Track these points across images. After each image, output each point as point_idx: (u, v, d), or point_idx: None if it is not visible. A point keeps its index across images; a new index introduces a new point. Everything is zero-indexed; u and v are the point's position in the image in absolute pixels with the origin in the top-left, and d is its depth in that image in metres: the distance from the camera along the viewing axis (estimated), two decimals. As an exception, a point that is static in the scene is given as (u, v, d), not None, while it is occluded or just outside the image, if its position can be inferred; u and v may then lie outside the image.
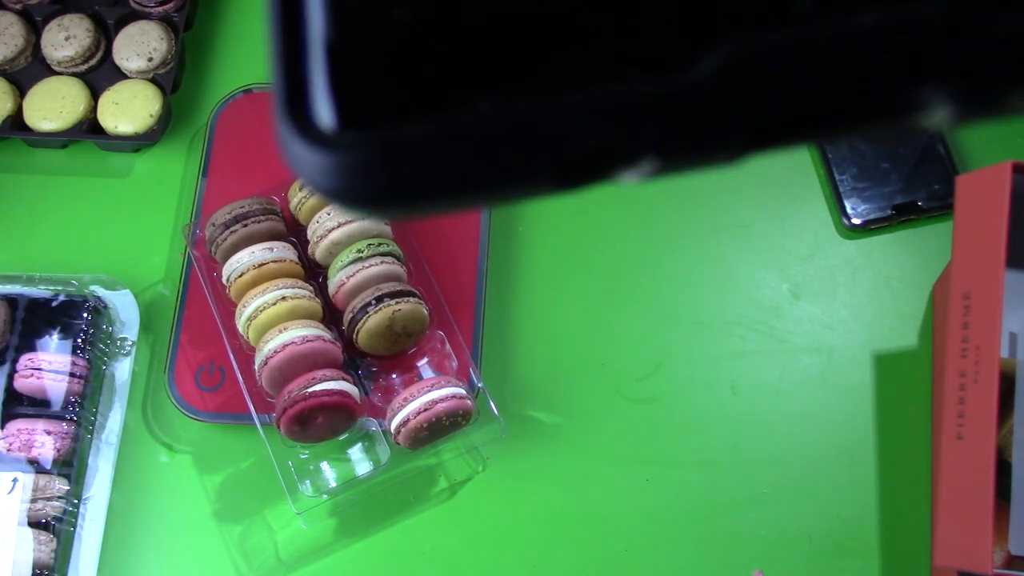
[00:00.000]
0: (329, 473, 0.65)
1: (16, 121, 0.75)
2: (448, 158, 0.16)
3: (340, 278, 0.64)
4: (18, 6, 0.79)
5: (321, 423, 0.61)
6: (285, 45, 0.17)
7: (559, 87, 0.16)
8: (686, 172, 0.17)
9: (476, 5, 0.16)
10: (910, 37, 0.16)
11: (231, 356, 0.65)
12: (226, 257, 0.65)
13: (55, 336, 0.67)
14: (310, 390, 0.60)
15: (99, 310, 0.69)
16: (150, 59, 0.76)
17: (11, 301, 0.68)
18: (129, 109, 0.75)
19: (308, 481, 0.64)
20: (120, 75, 0.77)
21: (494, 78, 0.16)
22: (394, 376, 0.66)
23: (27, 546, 0.62)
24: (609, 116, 0.16)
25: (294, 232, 0.69)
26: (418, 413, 0.60)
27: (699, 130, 0.16)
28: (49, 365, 0.65)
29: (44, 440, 0.64)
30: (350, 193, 0.17)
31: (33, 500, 0.63)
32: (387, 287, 0.63)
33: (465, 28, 0.16)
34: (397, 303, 0.63)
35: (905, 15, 0.15)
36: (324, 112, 0.16)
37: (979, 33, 0.15)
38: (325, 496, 0.65)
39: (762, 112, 0.16)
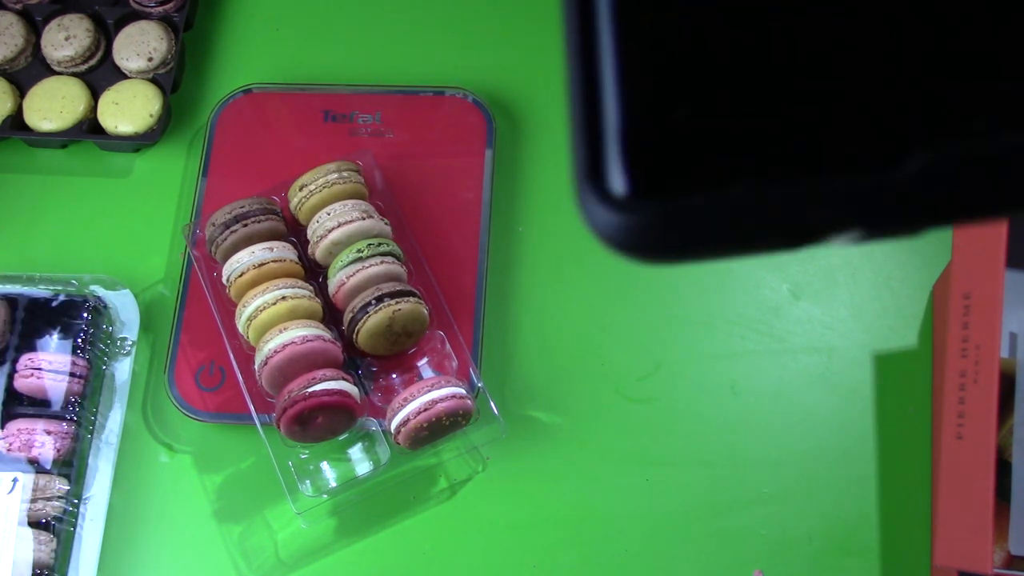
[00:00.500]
0: (329, 473, 0.65)
1: (16, 121, 0.75)
2: (714, 226, 0.21)
3: (340, 278, 0.64)
4: (18, 6, 0.79)
5: (321, 423, 0.61)
6: (585, 125, 0.22)
7: (800, 174, 0.21)
8: (884, 240, 0.22)
9: (741, 108, 0.21)
10: None
11: (231, 356, 0.65)
12: (226, 257, 0.65)
13: (55, 336, 0.67)
14: (310, 390, 0.60)
15: (99, 310, 0.69)
16: (150, 59, 0.76)
17: (11, 301, 0.68)
18: (129, 109, 0.75)
19: (308, 481, 0.64)
20: (120, 75, 0.77)
21: (752, 165, 0.21)
22: (394, 376, 0.66)
23: (27, 546, 0.62)
24: (836, 200, 0.21)
25: (294, 232, 0.69)
26: (418, 413, 0.60)
27: (899, 214, 0.21)
28: (49, 365, 0.65)
29: (44, 440, 0.64)
30: (634, 247, 0.22)
31: (33, 500, 0.63)
32: (387, 287, 0.63)
33: (732, 124, 0.21)
34: (397, 303, 0.63)
35: None
36: (617, 183, 0.21)
37: None
38: (325, 496, 0.65)
39: (948, 203, 0.21)
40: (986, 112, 0.21)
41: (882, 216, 0.21)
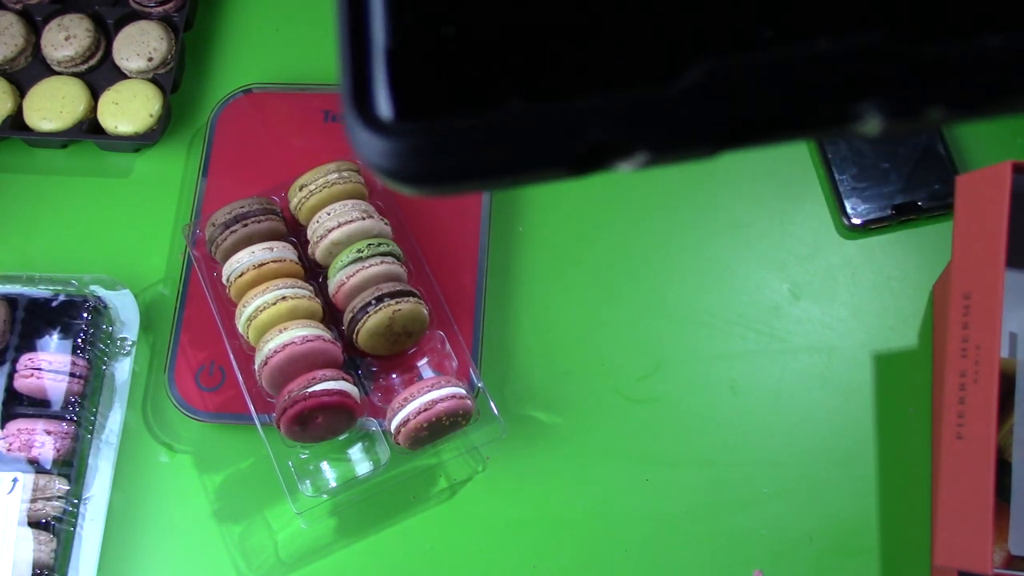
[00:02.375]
0: (329, 473, 0.65)
1: (16, 121, 0.75)
2: (484, 147, 0.20)
3: (340, 278, 0.64)
4: (18, 6, 0.79)
5: (321, 423, 0.61)
6: (352, 49, 0.21)
7: (573, 91, 0.20)
8: (672, 163, 0.21)
9: (508, 24, 0.21)
10: (849, 63, 0.20)
11: (231, 356, 0.65)
12: (226, 257, 0.65)
13: (55, 336, 0.67)
14: (310, 390, 0.60)
15: (99, 310, 0.69)
16: (150, 59, 0.76)
17: (11, 301, 0.68)
18: (129, 109, 0.75)
19: (308, 481, 0.64)
20: (120, 75, 0.77)
21: (522, 83, 0.20)
22: (394, 376, 0.66)
23: (27, 546, 0.62)
24: (611, 116, 0.20)
25: (294, 232, 0.69)
26: (418, 413, 0.60)
27: (682, 130, 0.20)
28: (49, 365, 0.65)
29: (44, 440, 0.64)
30: (402, 172, 0.21)
31: (33, 500, 0.63)
32: (387, 287, 0.63)
33: (499, 42, 0.21)
34: (397, 303, 0.63)
35: (846, 45, 0.20)
36: (384, 106, 0.20)
37: (903, 60, 0.20)
38: (325, 496, 0.65)
39: (732, 117, 0.20)
40: (771, 21, 0.20)
41: (663, 134, 0.20)
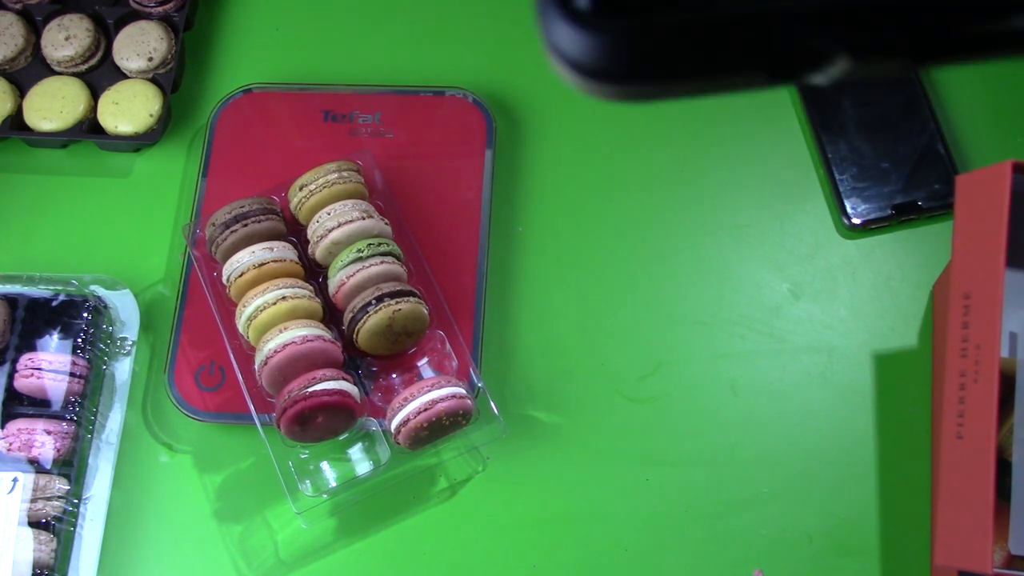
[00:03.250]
0: (329, 473, 0.65)
1: (16, 121, 0.75)
2: (686, 47, 0.19)
3: (340, 278, 0.64)
4: (18, 6, 0.79)
5: (321, 423, 0.61)
6: None
7: None
8: (869, 78, 0.20)
9: None
10: None
11: (231, 356, 0.65)
12: (226, 257, 0.65)
13: (55, 336, 0.67)
14: (310, 390, 0.60)
15: (99, 310, 0.69)
16: (150, 59, 0.76)
17: (11, 301, 0.68)
18: (129, 109, 0.75)
19: (308, 481, 0.64)
20: (120, 75, 0.77)
21: None
22: (394, 376, 0.66)
23: (27, 546, 0.62)
24: (817, 19, 0.19)
25: (294, 232, 0.69)
26: (418, 413, 0.60)
27: (883, 37, 0.19)
28: (49, 365, 0.65)
29: (44, 440, 0.64)
30: (600, 68, 0.19)
31: (33, 500, 0.63)
32: (387, 287, 0.63)
33: None
34: (397, 303, 0.63)
35: None
36: None
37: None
38: (325, 496, 0.65)
39: (929, 30, 0.19)
40: None
41: (870, 38, 0.19)
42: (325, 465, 0.65)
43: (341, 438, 0.65)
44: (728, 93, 0.20)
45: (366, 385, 0.66)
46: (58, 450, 0.64)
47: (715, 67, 0.20)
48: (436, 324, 0.67)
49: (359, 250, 0.64)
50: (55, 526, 0.63)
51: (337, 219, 0.65)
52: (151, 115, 0.75)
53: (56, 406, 0.66)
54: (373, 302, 0.63)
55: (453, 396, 0.61)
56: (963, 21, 0.19)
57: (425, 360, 0.67)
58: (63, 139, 0.76)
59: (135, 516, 0.66)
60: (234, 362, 0.64)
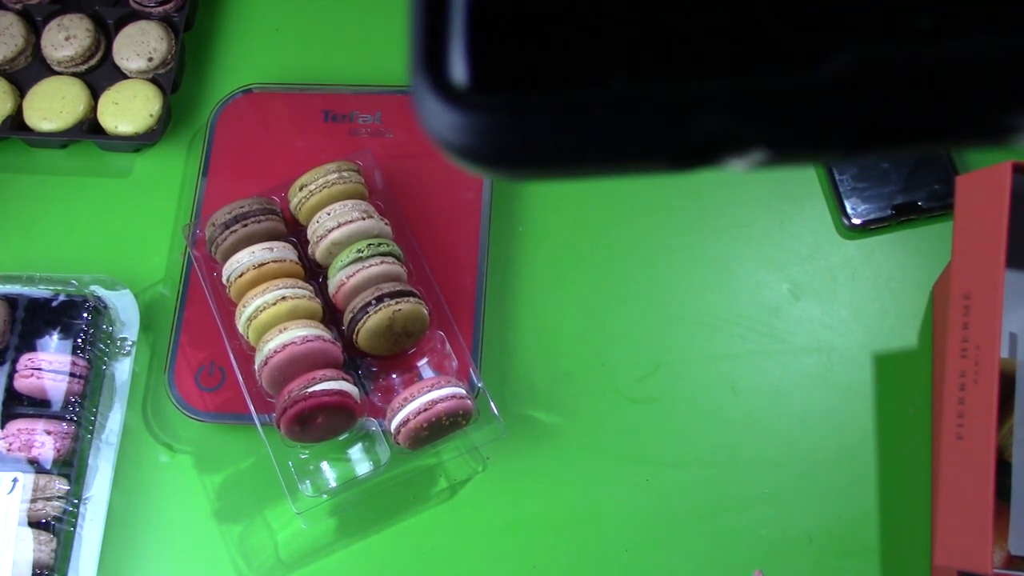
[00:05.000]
0: (329, 473, 0.65)
1: (16, 121, 0.75)
2: (574, 130, 0.17)
3: (340, 278, 0.64)
4: (18, 6, 0.79)
5: (321, 423, 0.61)
6: (427, 4, 0.17)
7: (687, 73, 0.17)
8: (791, 165, 0.18)
9: None
10: (1014, 67, 0.16)
11: (231, 356, 0.65)
12: (226, 257, 0.65)
13: (55, 336, 0.67)
14: (310, 390, 0.60)
15: (99, 310, 0.69)
16: (150, 59, 0.76)
17: (11, 301, 0.68)
18: (129, 109, 0.75)
19: (308, 481, 0.64)
20: (120, 75, 0.77)
21: (627, 60, 0.17)
22: (394, 376, 0.66)
23: (27, 546, 0.62)
24: (729, 106, 0.17)
25: (294, 232, 0.69)
26: (418, 413, 0.60)
27: (812, 128, 0.17)
28: (49, 365, 0.65)
29: (44, 440, 0.64)
30: (475, 151, 0.18)
31: (33, 500, 0.63)
32: (387, 287, 0.63)
33: (604, 8, 0.17)
34: (397, 303, 0.63)
35: (1013, 46, 0.16)
36: (459, 71, 0.17)
37: None
38: (325, 496, 0.65)
39: (872, 118, 0.17)
40: (932, 10, 0.16)
41: (791, 131, 0.17)
42: (325, 465, 0.65)
43: (341, 438, 0.65)
44: (625, 177, 0.18)
45: (366, 385, 0.66)
46: (58, 450, 0.64)
47: (607, 154, 0.18)
48: (436, 324, 0.67)
49: (359, 250, 0.64)
50: (55, 526, 0.63)
51: (337, 219, 0.65)
52: (151, 115, 0.75)
53: (56, 406, 0.66)
54: (373, 302, 0.63)
55: (453, 396, 0.61)
56: (908, 109, 0.17)
57: (425, 360, 0.67)
58: (63, 139, 0.76)
59: (135, 516, 0.66)
60: (234, 362, 0.64)
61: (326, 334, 0.63)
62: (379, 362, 0.67)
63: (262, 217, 0.66)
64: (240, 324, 0.64)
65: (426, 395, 0.61)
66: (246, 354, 0.65)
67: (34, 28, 0.78)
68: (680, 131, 0.17)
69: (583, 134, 0.17)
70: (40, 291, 0.69)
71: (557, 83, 0.17)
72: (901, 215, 0.72)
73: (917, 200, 0.72)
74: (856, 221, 0.72)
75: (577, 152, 0.17)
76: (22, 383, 0.66)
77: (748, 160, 0.17)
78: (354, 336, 0.64)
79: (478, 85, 0.17)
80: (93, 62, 0.77)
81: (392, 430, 0.62)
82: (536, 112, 0.17)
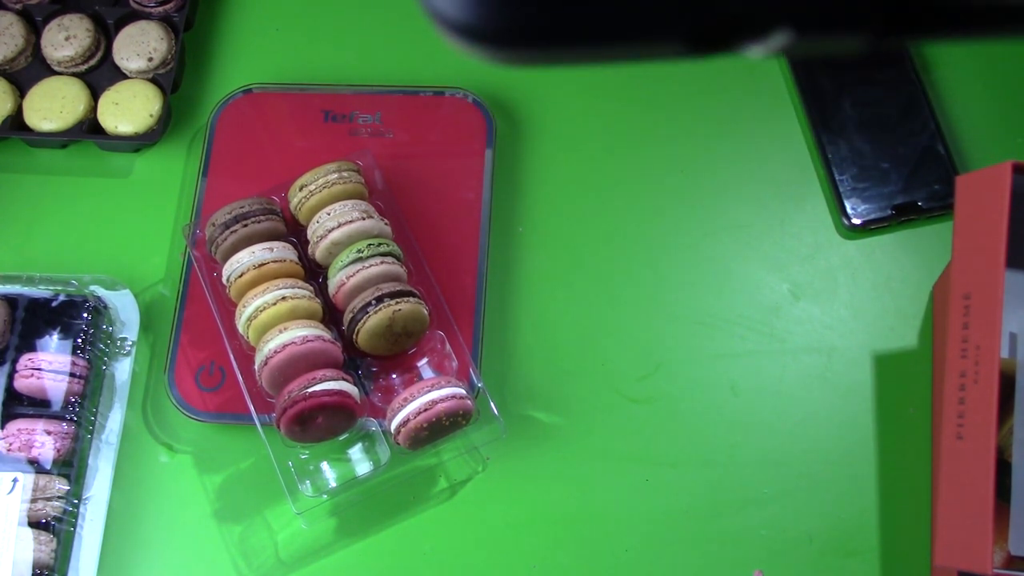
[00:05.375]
0: (329, 473, 0.65)
1: (16, 121, 0.75)
2: (587, 3, 0.16)
3: (340, 278, 0.64)
4: (18, 6, 0.79)
5: (321, 423, 0.61)
6: None
7: None
8: (814, 53, 0.16)
9: None
10: None
11: (231, 356, 0.65)
12: (226, 257, 0.65)
13: (55, 336, 0.67)
14: (310, 390, 0.60)
15: (99, 310, 0.69)
16: (150, 59, 0.76)
17: (11, 301, 0.68)
18: (129, 109, 0.75)
19: (308, 481, 0.64)
20: (120, 75, 0.77)
21: None
22: (394, 376, 0.66)
23: (27, 546, 0.62)
24: None
25: (294, 232, 0.69)
26: (418, 413, 0.60)
27: (841, 4, 0.15)
28: (49, 365, 0.65)
29: (44, 440, 0.64)
30: (480, 26, 0.16)
31: (33, 500, 0.63)
32: (387, 287, 0.63)
33: None
34: (397, 303, 0.63)
35: None
36: None
37: None
38: (325, 496, 0.65)
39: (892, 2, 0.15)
40: None
41: (821, 6, 0.15)
42: (325, 465, 0.65)
43: (341, 438, 0.65)
44: (638, 62, 0.17)
45: (366, 385, 0.66)
46: (58, 450, 0.64)
47: (622, 30, 0.16)
48: (436, 324, 0.67)
49: (359, 250, 0.64)
50: (55, 526, 0.63)
51: (337, 219, 0.65)
52: (151, 115, 0.75)
53: (56, 406, 0.66)
54: (373, 302, 0.63)
55: (453, 396, 0.61)
56: None
57: (425, 360, 0.67)
58: (63, 139, 0.76)
59: (135, 516, 0.66)
60: (234, 362, 0.64)
61: (326, 334, 0.63)
62: (379, 362, 0.67)
63: (262, 217, 0.66)
64: (240, 324, 0.64)
65: (426, 395, 0.61)
66: (246, 354, 0.65)
67: (34, 28, 0.78)
68: (701, 8, 0.16)
69: (599, 8, 0.16)
70: (40, 291, 0.69)
71: None
72: (901, 215, 0.72)
73: (917, 200, 0.72)
74: (856, 221, 0.72)
75: (586, 28, 0.16)
76: (22, 383, 0.66)
77: (769, 44, 0.16)
78: (354, 336, 0.64)
79: None
80: (93, 62, 0.77)
81: (392, 430, 0.62)
82: None
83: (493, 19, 0.16)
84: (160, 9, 0.78)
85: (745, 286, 0.71)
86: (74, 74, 0.77)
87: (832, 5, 0.16)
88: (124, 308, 0.70)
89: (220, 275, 0.66)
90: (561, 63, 0.17)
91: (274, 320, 0.62)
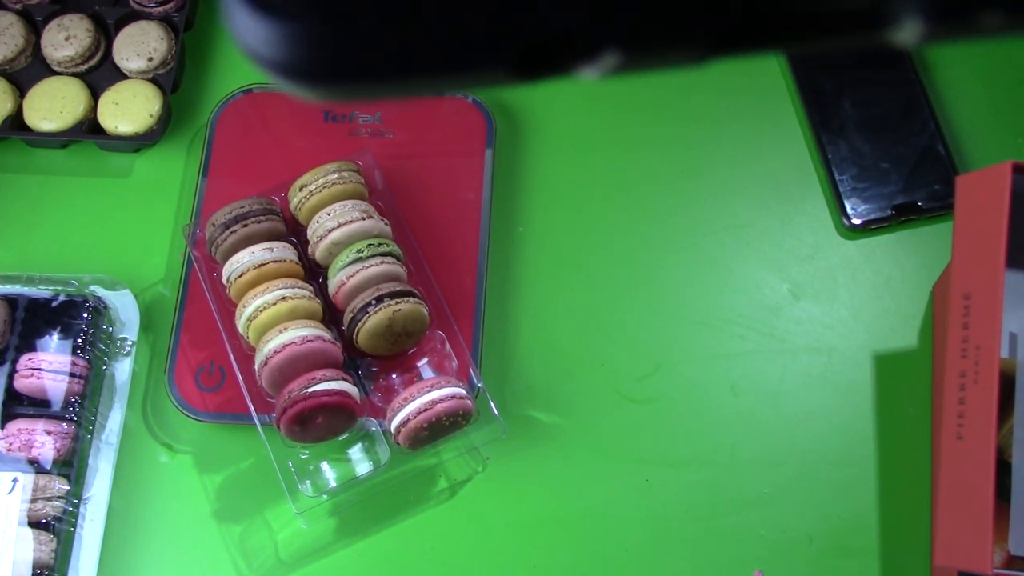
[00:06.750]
0: (329, 473, 0.65)
1: (16, 121, 0.75)
2: (401, 31, 0.15)
3: (340, 278, 0.64)
4: (18, 6, 0.79)
5: (321, 423, 0.61)
6: None
7: None
8: (648, 69, 0.16)
9: None
10: None
11: (231, 356, 0.65)
12: (226, 257, 0.65)
13: (55, 336, 0.67)
14: (310, 390, 0.60)
15: (99, 310, 0.69)
16: (150, 59, 0.76)
17: (11, 301, 0.68)
18: (129, 109, 0.75)
19: (308, 481, 0.64)
20: (120, 75, 0.77)
21: None
22: (394, 376, 0.66)
23: (27, 546, 0.62)
24: (572, 0, 0.15)
25: (294, 232, 0.69)
26: (418, 413, 0.60)
27: (664, 22, 0.15)
28: (49, 365, 0.65)
29: (44, 440, 0.64)
30: (294, 65, 0.16)
31: (33, 500, 0.63)
32: (387, 287, 0.63)
33: None
34: (397, 303, 0.63)
35: None
36: None
37: None
38: (325, 496, 0.65)
39: (730, 11, 0.15)
40: None
41: (643, 24, 0.15)
42: (325, 465, 0.65)
43: (341, 438, 0.65)
44: (471, 88, 0.17)
45: (366, 385, 0.66)
46: (58, 450, 0.64)
47: (439, 62, 0.15)
48: (436, 324, 0.67)
49: (359, 250, 0.64)
50: (55, 526, 0.63)
51: (337, 219, 0.65)
52: (151, 115, 0.75)
53: (56, 406, 0.66)
54: (373, 302, 0.63)
55: (453, 396, 0.61)
56: None
57: (425, 360, 0.67)
58: (63, 139, 0.76)
59: (135, 516, 0.66)
60: (234, 362, 0.64)
61: (326, 334, 0.63)
62: (379, 362, 0.67)
63: (262, 217, 0.66)
64: (240, 324, 0.64)
65: (426, 395, 0.61)
66: (246, 354, 0.65)
67: (34, 28, 0.78)
68: (519, 30, 0.15)
69: (410, 35, 0.15)
70: (40, 291, 0.69)
71: None
72: (901, 215, 0.72)
73: (917, 200, 0.72)
74: (856, 221, 0.72)
75: (405, 57, 0.15)
76: (22, 383, 0.66)
77: (600, 66, 0.15)
78: (354, 336, 0.64)
79: None
80: (93, 62, 0.77)
81: (392, 430, 0.62)
82: (355, 14, 0.15)
83: (304, 58, 0.15)
84: (160, 9, 0.78)
85: (745, 286, 0.71)
86: (74, 74, 0.77)
87: (661, 22, 0.15)
88: (124, 308, 0.70)
89: (220, 275, 0.66)
90: (387, 97, 0.17)
91: (274, 320, 0.62)
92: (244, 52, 0.16)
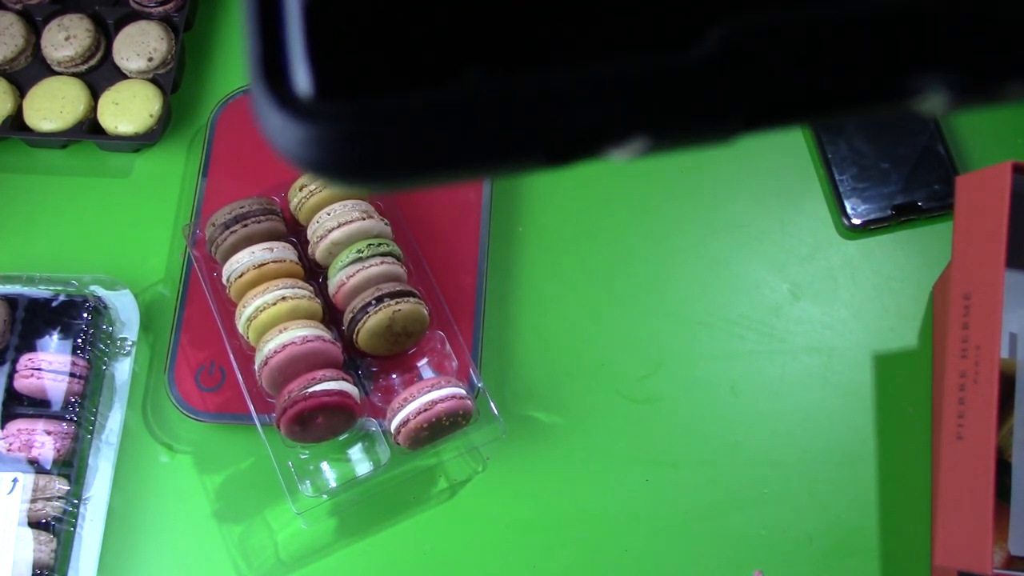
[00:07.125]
0: (329, 473, 0.65)
1: (16, 121, 0.75)
2: (432, 133, 0.16)
3: (340, 278, 0.64)
4: (18, 6, 0.79)
5: (321, 423, 0.61)
6: (260, 8, 0.16)
7: (552, 61, 0.15)
8: (677, 151, 0.17)
9: None
10: (911, 23, 0.15)
11: (231, 356, 0.65)
12: (226, 257, 0.65)
13: (55, 336, 0.67)
14: (310, 390, 0.60)
15: (99, 310, 0.69)
16: (150, 59, 0.76)
17: (11, 301, 0.68)
18: (129, 109, 0.75)
19: (308, 481, 0.64)
20: (120, 75, 0.77)
21: (484, 49, 0.16)
22: (394, 376, 0.66)
23: (27, 546, 0.62)
24: (603, 94, 0.15)
25: (294, 232, 0.69)
26: (418, 413, 0.60)
27: (691, 111, 0.16)
28: (49, 365, 0.65)
29: (44, 440, 0.64)
30: (329, 165, 0.16)
31: (33, 500, 0.63)
32: (387, 287, 0.63)
33: None
34: (397, 303, 0.63)
35: (905, 2, 0.15)
36: (302, 80, 0.16)
37: (980, 22, 0.15)
38: (325, 496, 0.65)
39: (756, 94, 0.16)
40: None
41: (669, 116, 0.16)
42: (325, 465, 0.65)
43: (341, 438, 0.65)
44: (504, 177, 0.18)
45: (366, 385, 0.66)
46: (58, 450, 0.64)
47: (476, 156, 0.16)
48: (436, 324, 0.67)
49: (359, 250, 0.64)
50: (55, 526, 0.63)
51: (337, 219, 0.65)
52: (151, 115, 0.75)
53: (56, 406, 0.66)
54: (373, 302, 0.63)
55: (453, 396, 0.61)
56: (794, 80, 0.16)
57: (425, 360, 0.67)
58: (63, 139, 0.76)
59: (135, 516, 0.66)
60: (234, 362, 0.64)
61: (326, 334, 0.63)
62: (379, 362, 0.67)
63: (262, 217, 0.66)
64: (240, 324, 0.64)
65: (426, 395, 0.61)
66: (246, 354, 0.65)
67: (34, 28, 0.78)
68: (551, 126, 0.16)
69: (441, 137, 0.16)
70: (40, 291, 0.69)
71: (408, 83, 0.16)
72: (901, 215, 0.72)
73: (917, 200, 0.72)
74: (856, 221, 0.72)
75: (438, 158, 0.16)
76: (22, 383, 0.66)
77: (629, 149, 0.16)
78: (354, 336, 0.64)
79: (323, 93, 0.16)
80: (93, 62, 0.77)
81: (392, 430, 0.62)
82: (388, 116, 0.16)
83: (341, 160, 0.16)
84: (160, 9, 0.78)
85: (745, 286, 0.71)
86: (74, 74, 0.77)
87: (684, 111, 0.16)
88: (124, 308, 0.70)
89: (220, 275, 0.66)
90: (422, 187, 0.17)
91: (274, 320, 0.62)
92: (280, 155, 0.16)
